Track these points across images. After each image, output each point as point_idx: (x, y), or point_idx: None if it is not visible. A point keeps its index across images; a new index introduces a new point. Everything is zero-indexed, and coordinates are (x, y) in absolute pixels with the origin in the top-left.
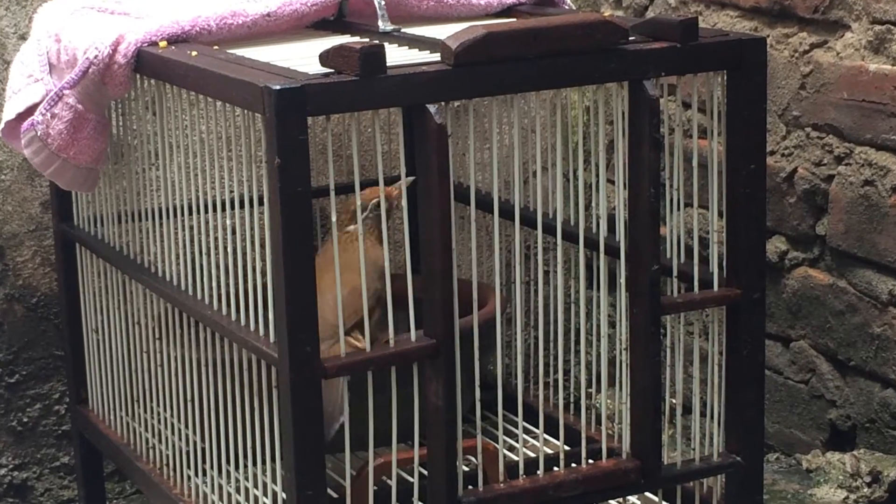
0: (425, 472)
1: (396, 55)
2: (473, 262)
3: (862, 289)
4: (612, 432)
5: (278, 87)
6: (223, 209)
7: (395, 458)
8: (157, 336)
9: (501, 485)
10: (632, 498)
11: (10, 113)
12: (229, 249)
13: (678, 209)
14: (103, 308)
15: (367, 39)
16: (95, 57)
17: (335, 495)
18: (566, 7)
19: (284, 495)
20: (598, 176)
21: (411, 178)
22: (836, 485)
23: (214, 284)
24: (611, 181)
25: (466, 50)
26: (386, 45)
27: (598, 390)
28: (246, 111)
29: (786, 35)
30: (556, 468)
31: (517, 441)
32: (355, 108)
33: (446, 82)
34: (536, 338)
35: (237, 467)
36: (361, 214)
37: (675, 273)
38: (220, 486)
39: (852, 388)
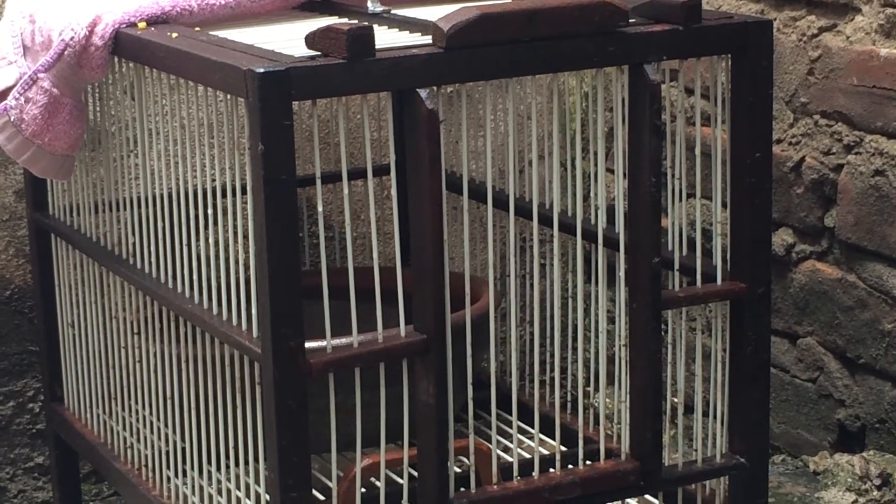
0: (415, 474)
1: (386, 37)
2: (466, 254)
3: (872, 283)
4: (610, 432)
5: (262, 71)
6: (205, 198)
7: (384, 459)
8: (135, 331)
9: (495, 487)
10: (631, 501)
11: None
12: (211, 240)
13: (680, 200)
14: (80, 301)
15: (355, 21)
16: (71, 38)
17: (321, 497)
18: None
19: (268, 497)
20: (596, 165)
21: None
22: (844, 488)
23: (195, 277)
24: (610, 170)
25: (459, 32)
26: (375, 26)
27: (597, 388)
28: (229, 95)
29: (793, 18)
30: (552, 469)
31: (511, 441)
32: (343, 92)
33: (438, 66)
34: (532, 334)
35: (219, 468)
36: None
37: (676, 266)
38: (201, 488)
39: (862, 387)
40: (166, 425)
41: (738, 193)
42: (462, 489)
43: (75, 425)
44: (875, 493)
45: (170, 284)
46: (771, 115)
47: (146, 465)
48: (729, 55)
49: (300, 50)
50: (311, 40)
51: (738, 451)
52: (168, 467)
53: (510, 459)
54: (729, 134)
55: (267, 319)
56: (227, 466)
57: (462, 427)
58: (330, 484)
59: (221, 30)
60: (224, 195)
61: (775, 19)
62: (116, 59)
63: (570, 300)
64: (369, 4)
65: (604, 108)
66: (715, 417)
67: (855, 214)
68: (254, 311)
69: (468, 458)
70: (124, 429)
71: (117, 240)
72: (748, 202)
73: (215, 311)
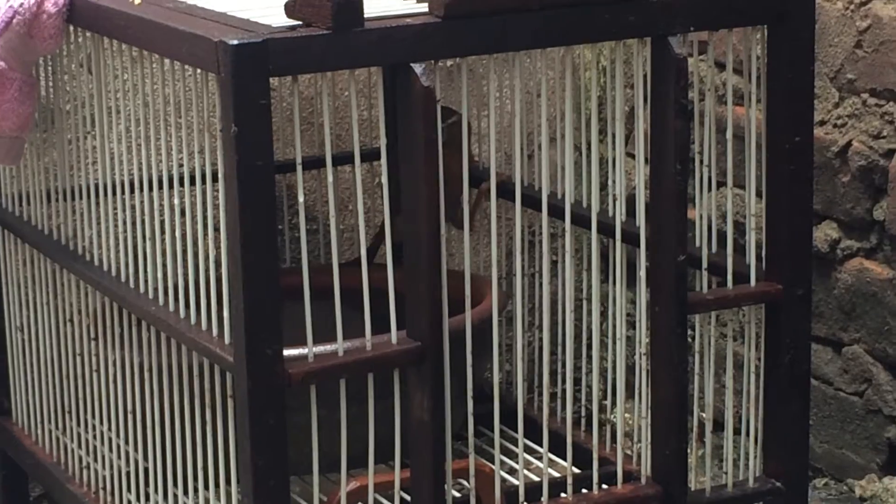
0: (408, 498)
1: (376, 5)
2: (466, 250)
3: None
4: (629, 452)
5: (236, 42)
6: (171, 186)
7: (373, 482)
8: (92, 336)
9: None
10: None
11: None
12: (178, 234)
13: (709, 189)
14: (30, 302)
15: None
16: (21, 5)
17: None
18: None
19: None
20: (615, 149)
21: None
22: None
23: (160, 276)
24: (630, 155)
25: None
26: None
27: (614, 402)
28: (198, 70)
29: None
30: (562, 494)
31: (517, 462)
32: (327, 67)
33: (435, 37)
34: (541, 340)
35: (186, 491)
36: None
37: (704, 265)
38: None
39: None
40: (127, 443)
41: (776, 182)
42: None
43: (24, 442)
44: None
45: (131, 284)
46: (812, 93)
47: (104, 488)
48: (765, 25)
49: (279, 19)
50: (291, 8)
51: (773, 473)
52: (129, 490)
53: (516, 482)
54: (765, 115)
55: (241, 324)
56: (196, 489)
57: (461, 446)
58: None
59: None
60: (193, 183)
61: None
62: (72, 29)
63: (584, 302)
64: None
65: (623, 85)
66: (748, 435)
67: None
68: (226, 314)
69: (468, 481)
70: (80, 447)
71: (72, 233)
72: (786, 192)
73: (182, 314)
